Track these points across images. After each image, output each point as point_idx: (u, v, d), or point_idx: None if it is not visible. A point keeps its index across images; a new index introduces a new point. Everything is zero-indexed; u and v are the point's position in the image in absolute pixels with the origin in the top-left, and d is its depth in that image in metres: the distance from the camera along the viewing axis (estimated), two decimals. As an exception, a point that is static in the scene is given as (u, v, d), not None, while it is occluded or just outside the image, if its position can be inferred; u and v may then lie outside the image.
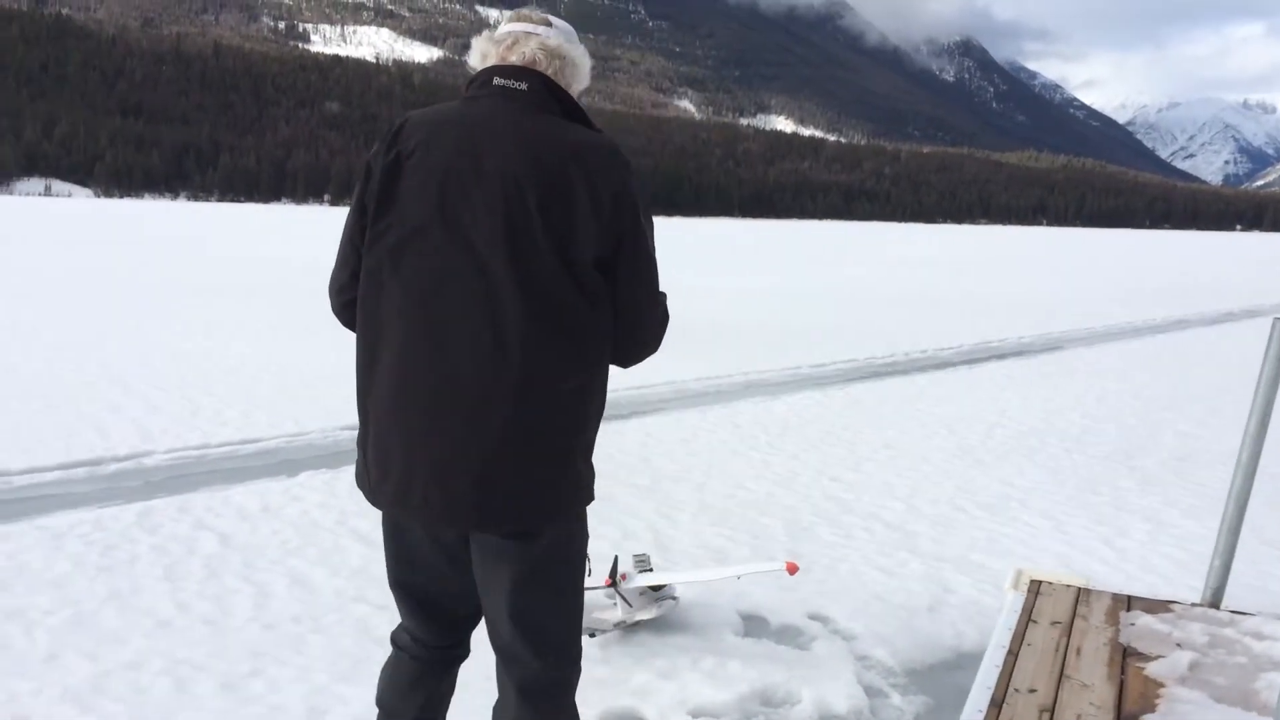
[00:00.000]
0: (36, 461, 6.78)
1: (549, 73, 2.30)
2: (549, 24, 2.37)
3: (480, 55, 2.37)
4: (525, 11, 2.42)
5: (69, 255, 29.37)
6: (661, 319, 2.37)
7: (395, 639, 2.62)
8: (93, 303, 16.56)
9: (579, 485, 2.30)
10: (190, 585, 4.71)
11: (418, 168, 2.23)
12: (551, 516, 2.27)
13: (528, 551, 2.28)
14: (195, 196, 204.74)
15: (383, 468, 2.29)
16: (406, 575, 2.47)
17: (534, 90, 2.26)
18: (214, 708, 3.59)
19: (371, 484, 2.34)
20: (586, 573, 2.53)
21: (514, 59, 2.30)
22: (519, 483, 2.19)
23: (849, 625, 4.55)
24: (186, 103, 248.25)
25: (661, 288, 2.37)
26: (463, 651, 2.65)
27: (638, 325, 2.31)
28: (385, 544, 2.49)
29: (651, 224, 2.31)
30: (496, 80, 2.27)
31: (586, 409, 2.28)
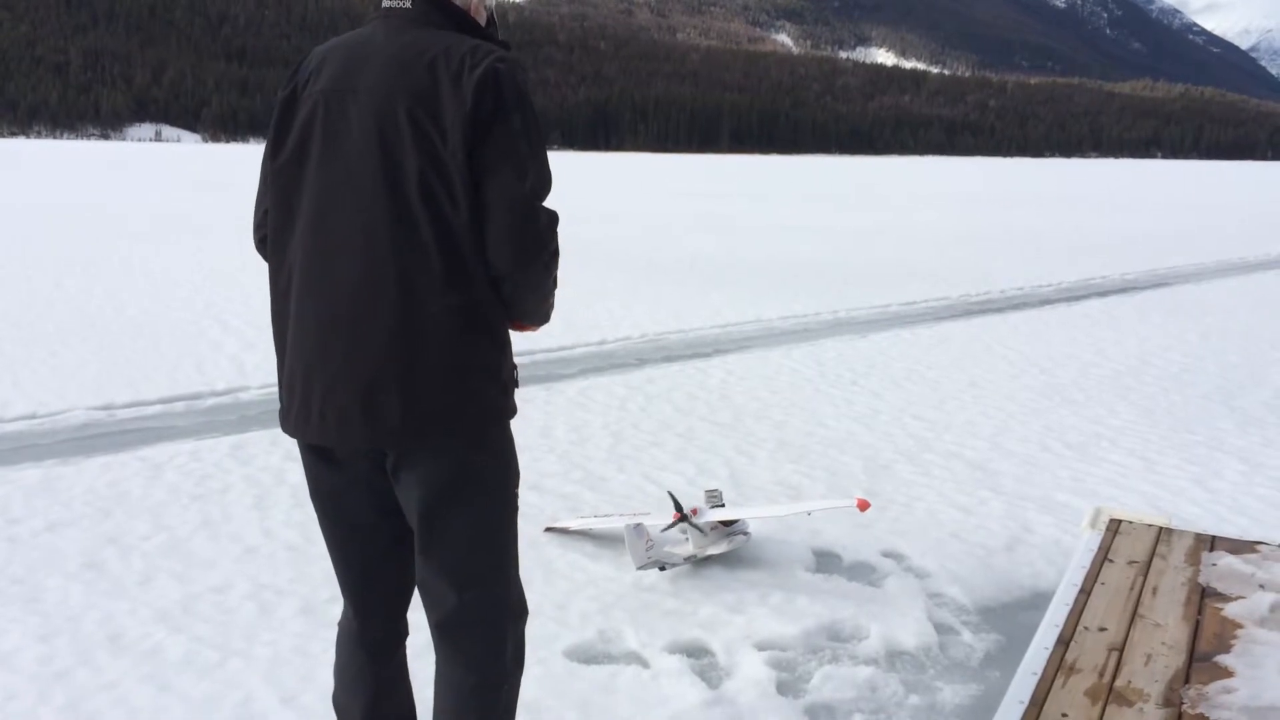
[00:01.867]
0: (140, 395, 7.08)
1: None
2: None
3: None
4: None
5: (179, 199, 30.31)
6: (535, 230, 2.20)
7: (339, 631, 2.56)
8: (200, 245, 17.10)
9: (477, 405, 2.23)
10: (277, 514, 4.88)
11: (307, 98, 2.28)
12: (449, 433, 2.22)
13: (432, 474, 2.24)
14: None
15: (290, 392, 2.29)
16: (331, 530, 2.44)
17: (416, 7, 2.28)
18: (295, 629, 3.73)
19: (282, 410, 2.34)
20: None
21: None
22: (404, 399, 2.17)
23: (922, 563, 4.50)
24: (288, 46, 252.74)
25: (546, 186, 2.24)
26: (402, 627, 2.55)
27: (504, 225, 2.17)
28: (311, 498, 2.44)
29: (531, 128, 2.20)
30: (385, 3, 2.31)
31: (472, 326, 2.20)
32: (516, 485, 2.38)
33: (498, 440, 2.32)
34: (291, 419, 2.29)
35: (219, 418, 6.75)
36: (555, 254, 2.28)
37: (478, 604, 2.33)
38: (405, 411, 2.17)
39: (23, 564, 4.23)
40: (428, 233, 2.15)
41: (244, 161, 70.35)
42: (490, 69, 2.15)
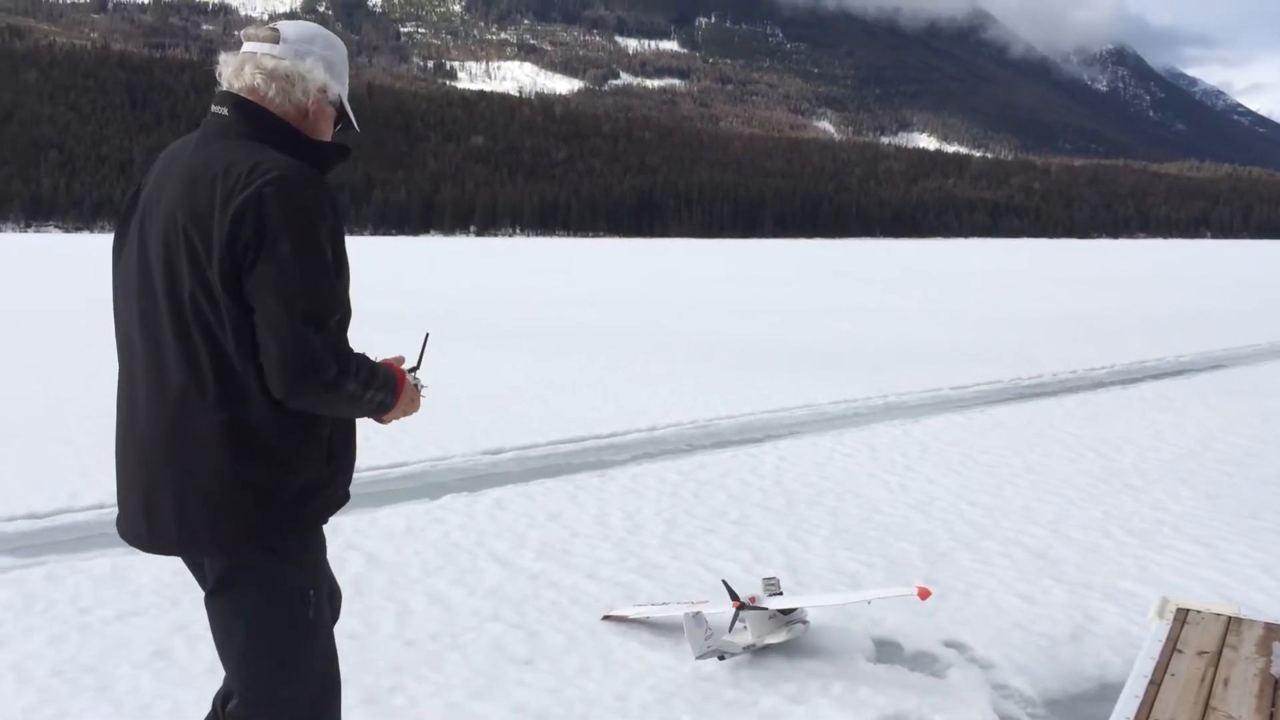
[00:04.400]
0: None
1: (270, 94, 2.33)
2: (276, 40, 2.38)
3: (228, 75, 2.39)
4: (253, 30, 2.42)
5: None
6: (307, 358, 2.15)
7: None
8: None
9: (239, 523, 2.26)
10: (338, 602, 4.93)
11: (137, 204, 2.38)
12: (215, 546, 2.30)
13: (211, 578, 2.36)
14: (350, 231, 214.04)
15: (117, 498, 2.43)
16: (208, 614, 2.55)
17: (231, 116, 2.32)
18: (357, 719, 3.76)
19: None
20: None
21: (238, 84, 2.34)
22: (176, 510, 2.27)
23: (986, 653, 4.45)
24: (342, 141, 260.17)
25: (325, 310, 2.20)
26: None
27: (273, 356, 2.16)
28: None
29: (305, 250, 2.17)
30: (212, 107, 2.36)
31: (241, 444, 2.23)
32: (309, 583, 2.40)
33: (270, 549, 2.33)
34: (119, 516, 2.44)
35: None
36: (341, 374, 2.21)
37: (257, 703, 2.40)
38: (178, 523, 2.27)
39: (94, 653, 4.31)
40: (202, 351, 2.21)
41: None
42: (255, 194, 2.14)
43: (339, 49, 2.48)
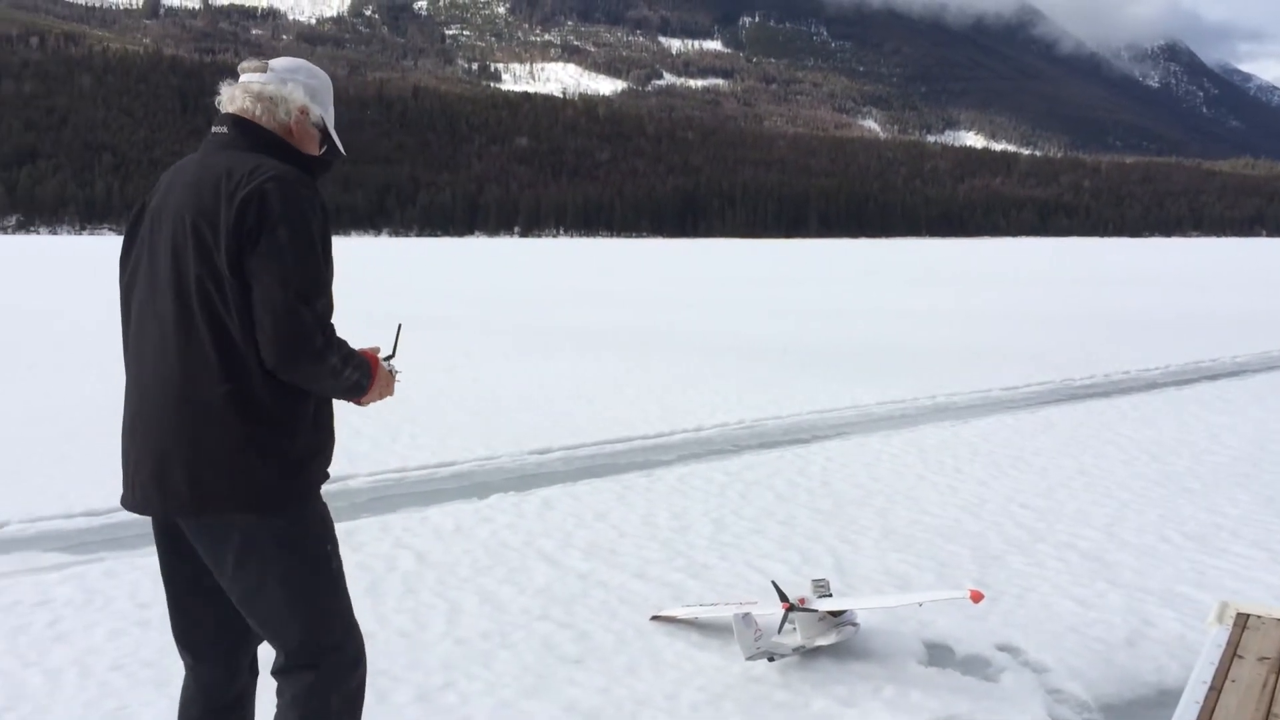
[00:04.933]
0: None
1: (257, 113, 2.69)
2: (264, 70, 2.78)
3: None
4: (246, 63, 2.81)
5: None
6: (297, 330, 2.46)
7: (182, 686, 2.86)
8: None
9: (251, 481, 2.52)
10: (389, 601, 4.99)
11: (146, 213, 2.70)
12: (228, 506, 2.53)
13: (227, 541, 2.58)
14: (396, 232, 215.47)
15: (122, 471, 2.69)
16: (171, 590, 2.78)
17: (230, 132, 2.68)
18: (410, 716, 3.79)
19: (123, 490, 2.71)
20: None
21: (232, 107, 2.72)
22: (188, 476, 2.52)
23: (1040, 657, 4.39)
24: (388, 143, 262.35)
25: (314, 290, 2.50)
26: (238, 675, 2.85)
27: (267, 327, 2.46)
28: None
29: (298, 238, 2.49)
30: (213, 128, 2.71)
31: (246, 412, 2.51)
32: (324, 542, 2.71)
33: (283, 506, 2.60)
34: (122, 495, 2.70)
35: (330, 505, 6.92)
36: (326, 347, 2.51)
37: (307, 652, 2.64)
38: (190, 487, 2.53)
39: (152, 648, 4.38)
40: (204, 330, 2.51)
41: (337, 255, 72.63)
42: (258, 188, 2.49)
43: (321, 78, 2.85)
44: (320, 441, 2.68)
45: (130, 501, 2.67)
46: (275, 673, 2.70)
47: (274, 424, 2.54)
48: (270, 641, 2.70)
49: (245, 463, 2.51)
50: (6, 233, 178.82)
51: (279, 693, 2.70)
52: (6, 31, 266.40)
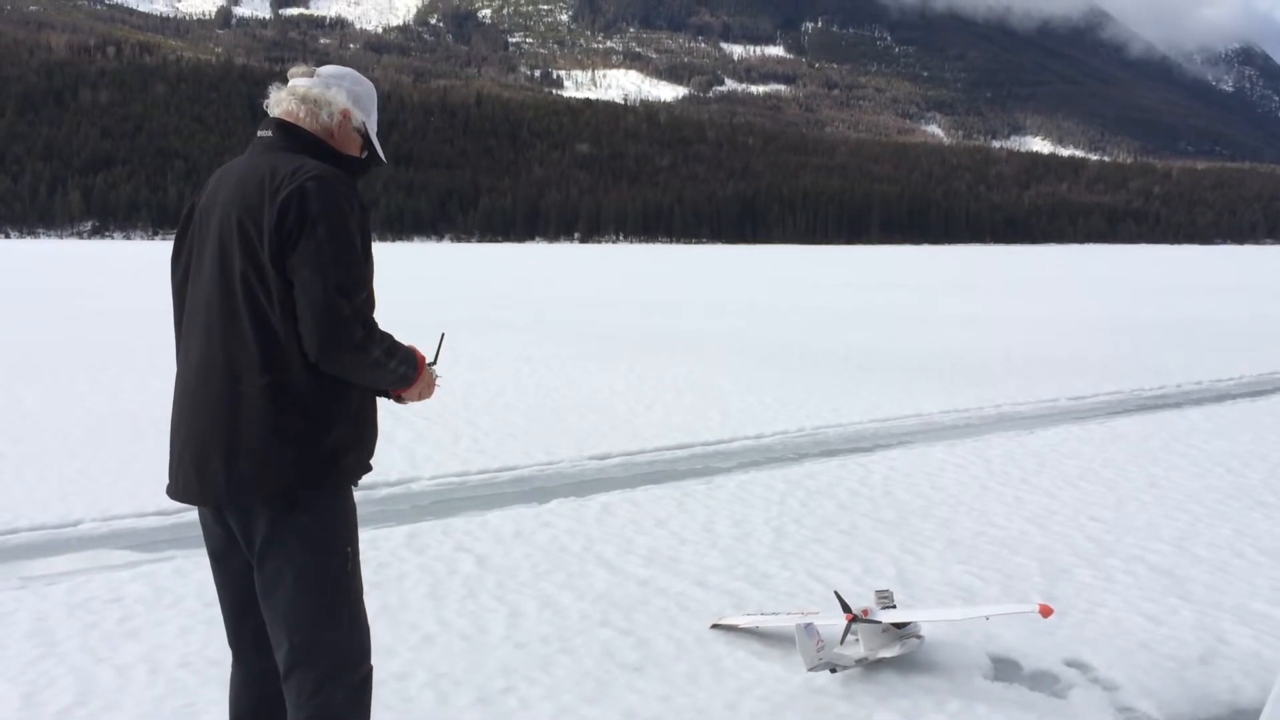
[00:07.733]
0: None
1: (301, 115, 2.79)
2: (311, 75, 2.88)
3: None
4: (295, 69, 2.91)
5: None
6: (337, 324, 2.54)
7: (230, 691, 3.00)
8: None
9: (286, 472, 2.60)
10: (451, 603, 5.02)
11: (197, 213, 2.79)
12: (263, 495, 2.61)
13: (257, 530, 2.65)
14: (458, 238, 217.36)
15: (168, 462, 2.82)
16: (218, 580, 2.89)
17: (274, 134, 2.78)
18: (471, 719, 3.81)
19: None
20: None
21: (278, 110, 2.82)
22: (226, 464, 2.61)
23: (1110, 674, 4.29)
24: (451, 150, 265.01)
25: (354, 284, 2.58)
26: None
27: (309, 321, 2.55)
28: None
29: (338, 234, 2.58)
30: (259, 131, 2.81)
31: (284, 404, 2.59)
32: (347, 542, 2.75)
33: (314, 501, 2.67)
34: (168, 482, 2.81)
35: (393, 507, 7.02)
36: (367, 339, 2.59)
37: (307, 648, 2.68)
38: (228, 475, 2.61)
39: (220, 646, 4.43)
40: (248, 323, 2.60)
41: (400, 259, 73.58)
42: (299, 187, 2.59)
43: (365, 86, 2.95)
44: (358, 435, 2.75)
45: (174, 490, 2.78)
46: (281, 670, 2.76)
47: (309, 417, 2.62)
48: (273, 640, 2.76)
49: (276, 453, 2.60)
50: (82, 237, 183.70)
51: (285, 693, 2.76)
52: (85, 42, 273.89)
